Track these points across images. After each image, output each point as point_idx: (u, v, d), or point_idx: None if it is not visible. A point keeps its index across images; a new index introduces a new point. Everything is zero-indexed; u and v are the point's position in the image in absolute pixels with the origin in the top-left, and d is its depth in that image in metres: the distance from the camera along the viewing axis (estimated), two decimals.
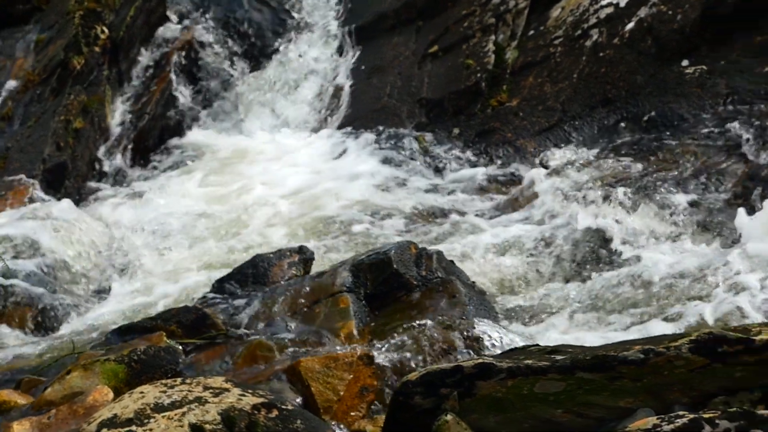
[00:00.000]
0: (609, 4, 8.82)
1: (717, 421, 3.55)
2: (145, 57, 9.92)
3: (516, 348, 4.35)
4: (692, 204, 6.89)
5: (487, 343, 5.04)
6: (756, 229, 6.13)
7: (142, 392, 3.80)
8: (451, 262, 5.87)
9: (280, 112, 9.58)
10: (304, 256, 6.03)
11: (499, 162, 8.10)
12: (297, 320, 5.24)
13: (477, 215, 7.34)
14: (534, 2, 9.26)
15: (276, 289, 5.55)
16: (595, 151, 7.81)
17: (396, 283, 5.50)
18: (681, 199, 6.85)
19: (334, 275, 5.50)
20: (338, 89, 9.59)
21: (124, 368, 4.74)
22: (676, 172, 7.17)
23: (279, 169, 8.31)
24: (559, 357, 3.88)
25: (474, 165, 8.14)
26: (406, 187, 7.82)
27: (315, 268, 5.94)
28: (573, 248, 6.75)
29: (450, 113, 8.77)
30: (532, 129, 8.32)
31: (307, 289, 5.45)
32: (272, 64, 10.04)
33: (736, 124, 7.34)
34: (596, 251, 6.73)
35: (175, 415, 3.63)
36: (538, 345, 4.37)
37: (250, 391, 3.84)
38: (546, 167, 7.66)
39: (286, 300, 5.39)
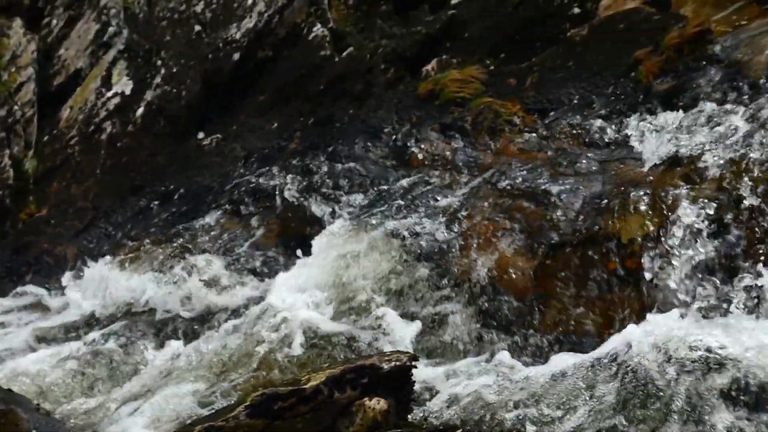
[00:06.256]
0: (116, 95, 8.89)
1: None
2: None
3: None
4: (246, 257, 7.06)
5: None
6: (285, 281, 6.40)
7: None
8: (9, 390, 5.65)
9: None
10: None
11: (42, 274, 7.91)
12: None
13: (26, 333, 7.11)
14: (41, 108, 9.13)
15: None
16: (139, 237, 7.82)
17: None
18: (218, 262, 7.02)
19: None
20: None
21: None
22: (206, 239, 7.33)
23: None
24: None
25: (17, 282, 7.89)
26: None
27: None
28: (144, 331, 6.69)
29: None
30: (68, 234, 8.19)
31: None
32: None
33: (259, 182, 7.62)
34: (175, 328, 6.72)
35: None
36: None
37: None
38: (86, 269, 7.57)
39: None
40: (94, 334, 6.65)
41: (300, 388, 4.13)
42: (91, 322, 6.98)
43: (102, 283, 7.42)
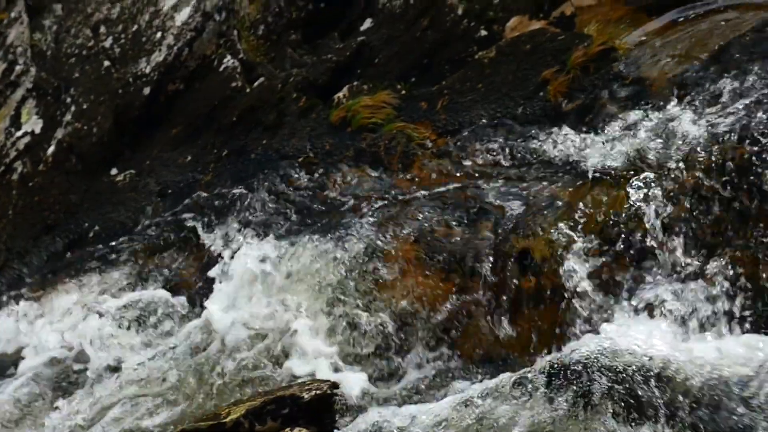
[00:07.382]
0: (25, 134, 8.77)
1: None
2: None
3: None
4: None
5: None
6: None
7: None
8: None
9: None
10: None
11: None
12: None
13: None
14: None
15: None
16: (51, 277, 7.73)
17: None
18: (134, 299, 6.97)
19: None
20: None
21: None
22: (123, 276, 7.28)
23: None
24: None
25: None
26: None
27: None
28: (61, 374, 6.61)
29: None
30: None
31: None
32: None
33: (174, 216, 7.57)
34: (92, 369, 6.63)
35: None
36: None
37: None
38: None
39: None
40: (10, 380, 6.57)
41: (220, 422, 4.10)
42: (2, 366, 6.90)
43: (14, 327, 7.33)
